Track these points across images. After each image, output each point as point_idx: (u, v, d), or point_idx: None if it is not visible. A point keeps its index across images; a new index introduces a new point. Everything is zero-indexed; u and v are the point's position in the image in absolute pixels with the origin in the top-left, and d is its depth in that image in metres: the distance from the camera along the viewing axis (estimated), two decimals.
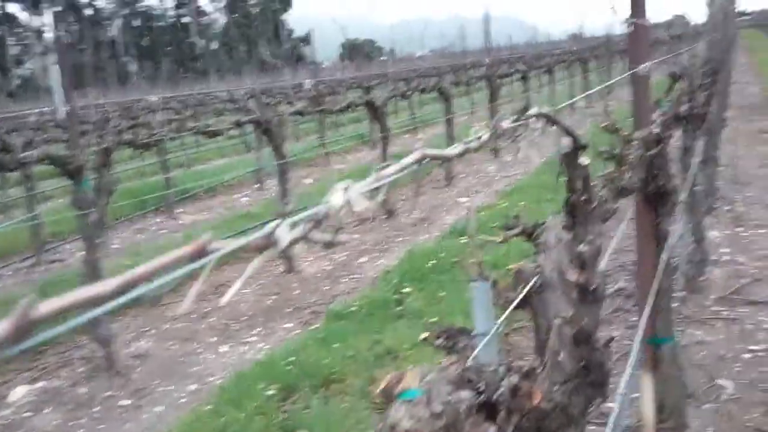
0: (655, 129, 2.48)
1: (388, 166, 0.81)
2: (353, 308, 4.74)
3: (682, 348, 3.88)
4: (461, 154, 0.91)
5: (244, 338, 4.77)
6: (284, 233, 0.71)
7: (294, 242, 0.71)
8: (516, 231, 1.44)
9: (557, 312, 1.18)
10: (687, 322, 4.17)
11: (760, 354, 3.74)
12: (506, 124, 1.01)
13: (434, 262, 5.56)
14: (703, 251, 4.58)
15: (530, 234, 1.43)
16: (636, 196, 2.81)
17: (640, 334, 2.72)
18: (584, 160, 1.29)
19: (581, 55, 16.76)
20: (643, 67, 2.57)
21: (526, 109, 1.08)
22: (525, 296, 1.21)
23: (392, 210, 7.65)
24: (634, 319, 3.92)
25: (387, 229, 7.42)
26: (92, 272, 4.26)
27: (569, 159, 1.35)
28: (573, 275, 1.16)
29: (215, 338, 4.83)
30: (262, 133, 5.76)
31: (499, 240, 1.43)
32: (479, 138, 0.93)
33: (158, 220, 9.19)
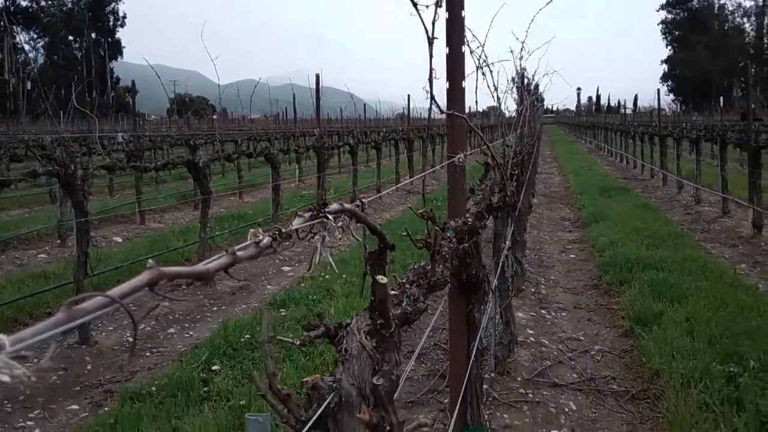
0: (469, 219, 2.48)
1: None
2: (153, 388, 4.28)
3: None
4: (222, 269, 0.73)
5: (17, 423, 4.09)
6: None
7: None
8: (318, 332, 1.27)
9: None
10: (496, 405, 4.23)
11: None
12: (297, 223, 0.86)
13: (249, 336, 5.25)
14: (511, 333, 4.73)
15: (333, 336, 1.27)
16: (449, 284, 2.79)
17: (452, 423, 2.65)
18: (382, 279, 1.16)
19: (406, 134, 17.56)
20: (458, 158, 2.59)
21: (325, 204, 0.94)
22: (320, 417, 1.03)
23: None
24: (447, 401, 3.90)
25: (201, 297, 6.96)
26: None
27: (375, 258, 1.23)
28: (365, 415, 1.00)
29: None
30: (62, 187, 5.19)
31: (298, 343, 1.25)
32: (258, 242, 0.76)
33: None
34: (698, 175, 13.18)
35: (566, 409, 4.19)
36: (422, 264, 1.75)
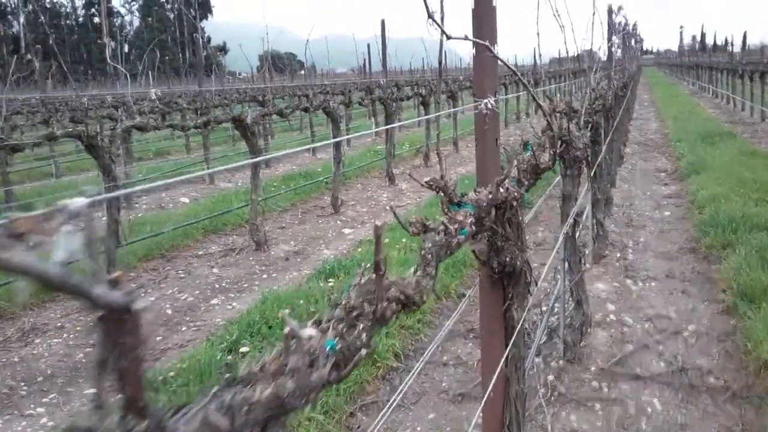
0: (492, 191, 1.78)
1: None
2: (172, 373, 3.86)
3: None
4: None
5: (27, 410, 3.78)
6: None
7: None
8: None
9: None
10: (562, 403, 3.55)
11: None
12: None
13: (288, 311, 4.75)
14: (583, 313, 3.99)
15: None
16: (479, 272, 2.12)
17: None
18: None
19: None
20: (485, 103, 1.88)
21: None
22: None
23: (261, 241, 6.79)
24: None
25: (253, 263, 6.55)
26: None
27: (111, 332, 0.61)
28: None
29: None
30: (87, 151, 4.82)
31: None
32: None
33: None
34: None
35: (649, 409, 3.45)
36: (372, 276, 1.10)
